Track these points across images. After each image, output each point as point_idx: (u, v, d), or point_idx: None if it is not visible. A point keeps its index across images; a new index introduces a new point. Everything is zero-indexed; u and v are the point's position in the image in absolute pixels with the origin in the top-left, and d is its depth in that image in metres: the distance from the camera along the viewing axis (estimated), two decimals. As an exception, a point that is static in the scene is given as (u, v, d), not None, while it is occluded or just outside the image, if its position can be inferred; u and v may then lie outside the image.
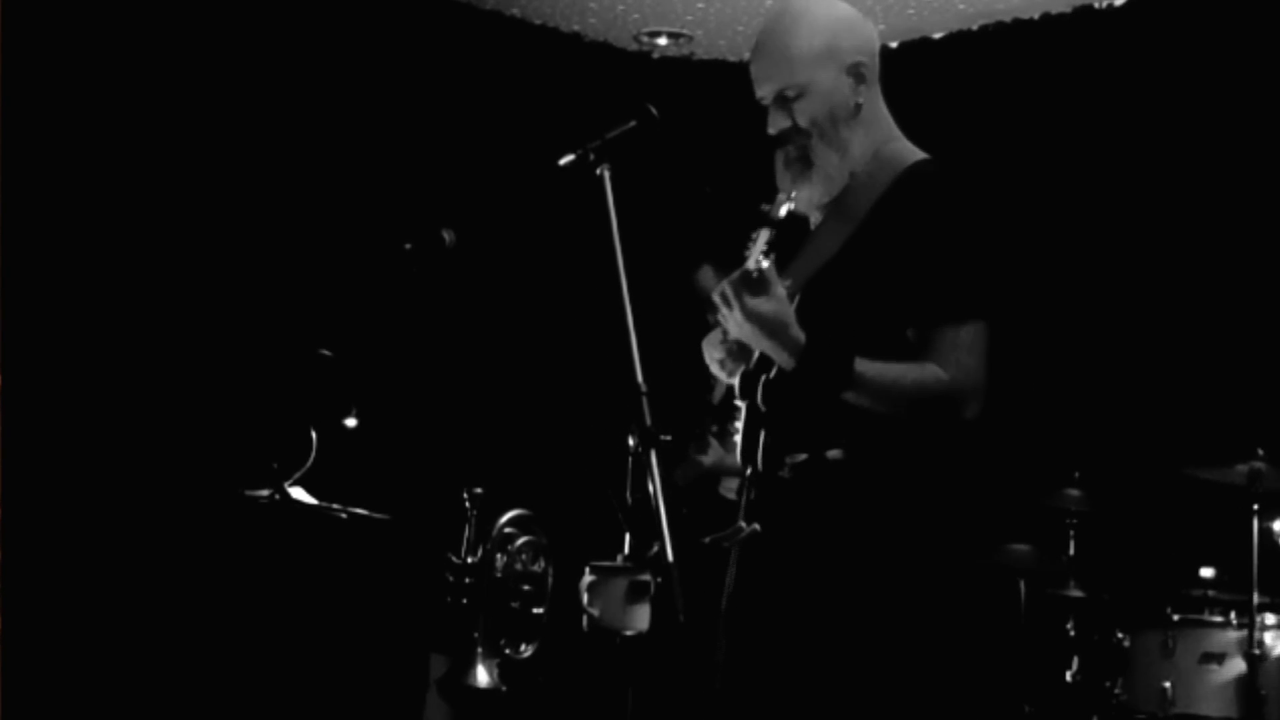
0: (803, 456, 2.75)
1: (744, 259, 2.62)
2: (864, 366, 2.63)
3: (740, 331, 2.65)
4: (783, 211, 2.69)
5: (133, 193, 4.75)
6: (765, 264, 2.57)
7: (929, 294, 2.68)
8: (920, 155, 2.84)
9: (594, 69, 5.76)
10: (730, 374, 2.79)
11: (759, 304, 2.58)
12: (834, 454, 2.72)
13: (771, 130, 2.85)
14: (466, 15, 5.48)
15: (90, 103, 4.67)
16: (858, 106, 2.83)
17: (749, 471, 2.78)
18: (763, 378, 2.70)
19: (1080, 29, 5.25)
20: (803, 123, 2.81)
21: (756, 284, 2.58)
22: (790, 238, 2.76)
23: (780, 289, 2.61)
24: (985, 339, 2.70)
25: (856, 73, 2.83)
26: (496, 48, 5.54)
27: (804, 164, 2.81)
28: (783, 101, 2.81)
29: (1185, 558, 4.72)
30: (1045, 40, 5.32)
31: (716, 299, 2.64)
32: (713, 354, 2.81)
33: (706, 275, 4.91)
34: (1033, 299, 5.23)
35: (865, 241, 2.75)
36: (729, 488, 4.82)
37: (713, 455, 4.50)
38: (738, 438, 4.26)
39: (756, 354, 2.72)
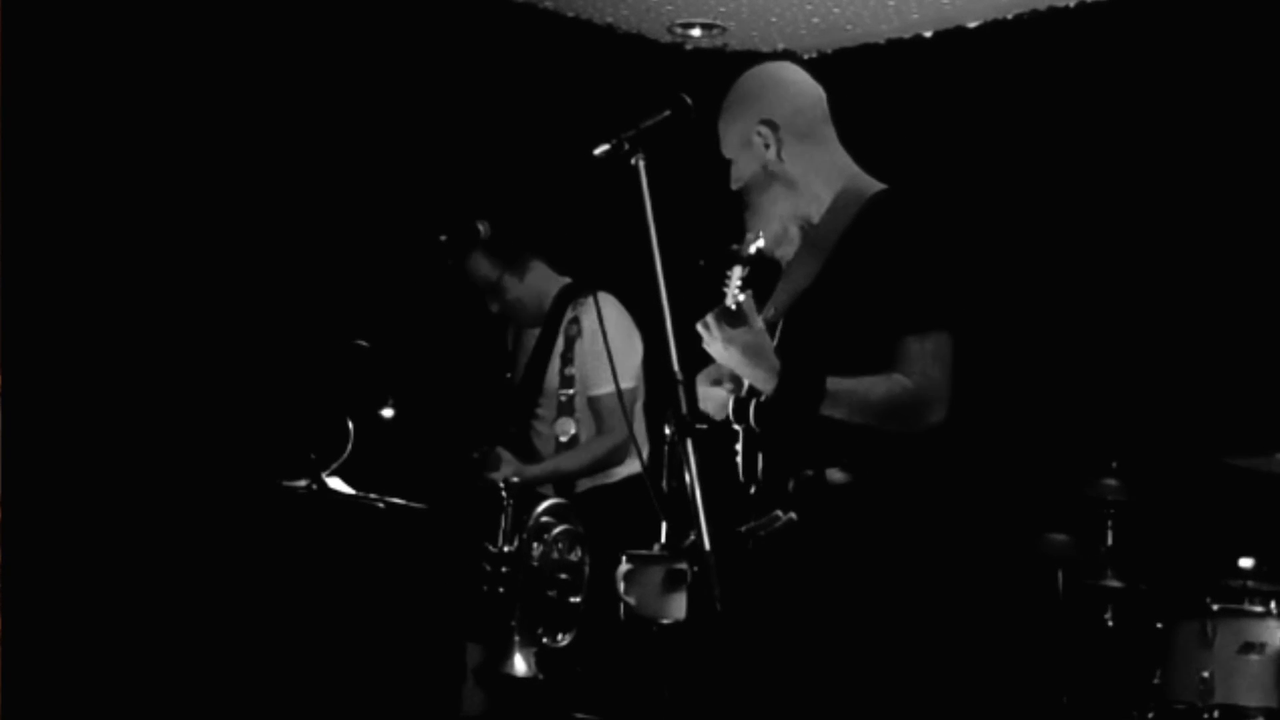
0: (809, 473, 2.89)
1: (723, 294, 2.80)
2: (835, 384, 2.83)
3: (721, 358, 2.85)
4: (752, 249, 2.84)
5: (171, 183, 4.77)
6: (742, 298, 2.78)
7: (892, 309, 2.87)
8: (879, 187, 3.02)
9: (627, 61, 5.76)
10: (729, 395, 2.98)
11: (737, 335, 2.79)
12: (835, 470, 2.89)
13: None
14: (500, 8, 5.49)
15: (121, 91, 4.67)
16: (767, 165, 3.05)
17: (752, 489, 2.94)
18: (754, 402, 2.90)
19: (1118, 16, 5.22)
20: (735, 187, 3.10)
21: (735, 317, 2.78)
22: (765, 274, 2.97)
23: (758, 320, 2.82)
24: (949, 349, 2.89)
25: (760, 137, 3.05)
26: (530, 40, 5.55)
27: (749, 212, 3.08)
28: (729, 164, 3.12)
29: (1224, 547, 4.69)
30: (1082, 28, 5.29)
31: (700, 330, 2.82)
32: (708, 381, 2.98)
33: None
34: (1071, 288, 5.21)
35: (835, 271, 2.95)
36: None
37: (506, 470, 4.38)
38: (558, 434, 4.39)
39: (746, 382, 2.91)
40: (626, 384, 4.36)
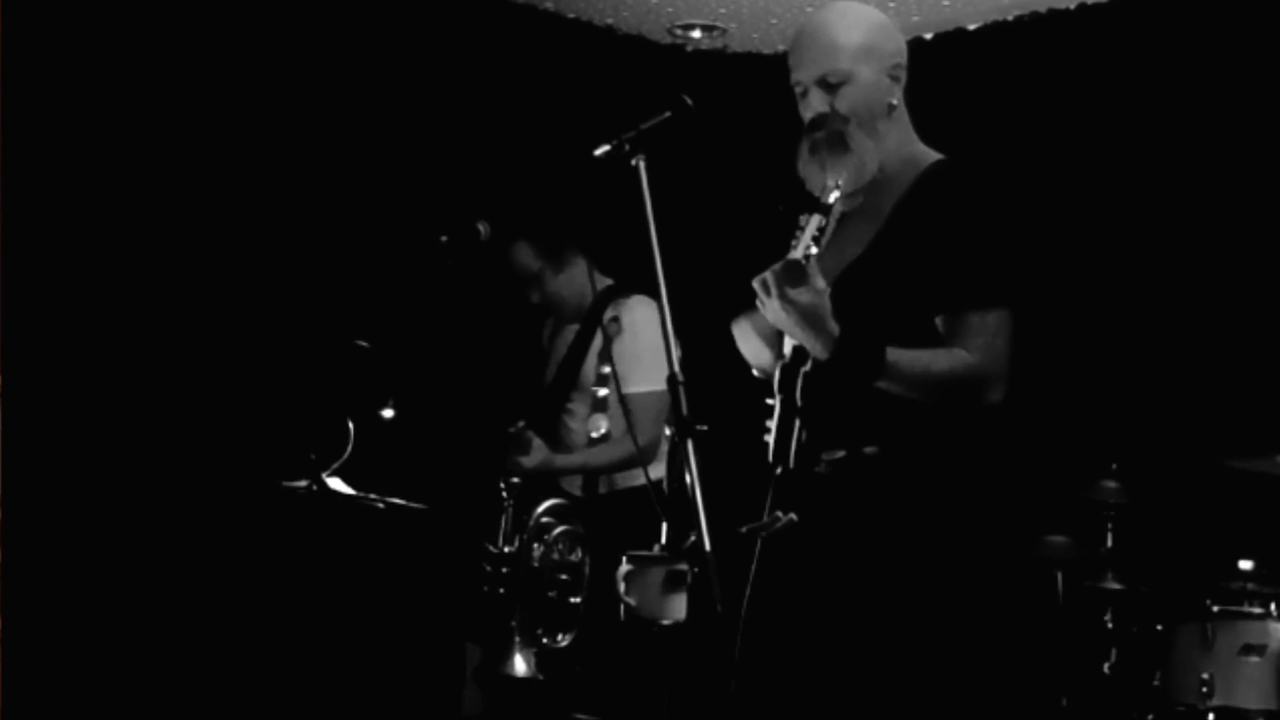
0: (841, 454, 2.79)
1: (790, 247, 2.66)
2: (895, 355, 2.69)
3: (777, 320, 2.68)
4: (832, 198, 2.75)
5: (171, 183, 4.78)
6: (814, 251, 2.63)
7: (956, 282, 2.75)
8: (937, 156, 2.92)
9: (628, 62, 5.76)
10: (766, 362, 2.83)
11: (798, 294, 2.63)
12: (871, 450, 2.78)
13: (809, 114, 2.90)
14: (500, 9, 5.50)
15: (121, 91, 4.67)
16: (891, 107, 2.92)
17: (779, 470, 2.81)
18: (801, 371, 2.74)
19: (1118, 19, 5.22)
20: (843, 109, 2.87)
21: (798, 274, 2.62)
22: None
23: (820, 280, 2.65)
24: (1010, 327, 2.78)
25: (894, 75, 2.93)
26: (531, 41, 5.55)
27: (840, 147, 2.85)
28: (825, 87, 2.88)
29: (1224, 549, 4.69)
30: (1082, 30, 5.29)
31: (757, 286, 2.67)
32: (748, 323, 2.85)
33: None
34: (1071, 290, 5.21)
35: (891, 238, 2.82)
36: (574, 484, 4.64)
37: (536, 455, 4.34)
38: (590, 430, 4.29)
39: (790, 348, 2.76)
40: (661, 386, 4.34)
